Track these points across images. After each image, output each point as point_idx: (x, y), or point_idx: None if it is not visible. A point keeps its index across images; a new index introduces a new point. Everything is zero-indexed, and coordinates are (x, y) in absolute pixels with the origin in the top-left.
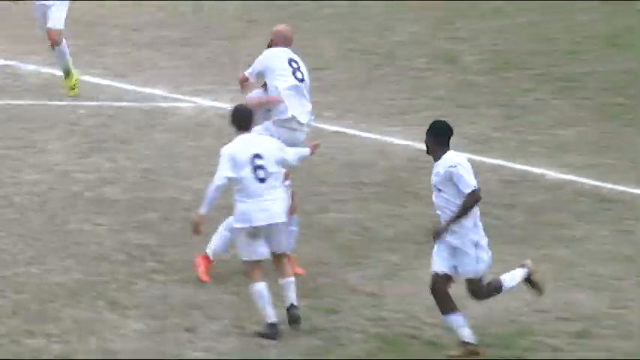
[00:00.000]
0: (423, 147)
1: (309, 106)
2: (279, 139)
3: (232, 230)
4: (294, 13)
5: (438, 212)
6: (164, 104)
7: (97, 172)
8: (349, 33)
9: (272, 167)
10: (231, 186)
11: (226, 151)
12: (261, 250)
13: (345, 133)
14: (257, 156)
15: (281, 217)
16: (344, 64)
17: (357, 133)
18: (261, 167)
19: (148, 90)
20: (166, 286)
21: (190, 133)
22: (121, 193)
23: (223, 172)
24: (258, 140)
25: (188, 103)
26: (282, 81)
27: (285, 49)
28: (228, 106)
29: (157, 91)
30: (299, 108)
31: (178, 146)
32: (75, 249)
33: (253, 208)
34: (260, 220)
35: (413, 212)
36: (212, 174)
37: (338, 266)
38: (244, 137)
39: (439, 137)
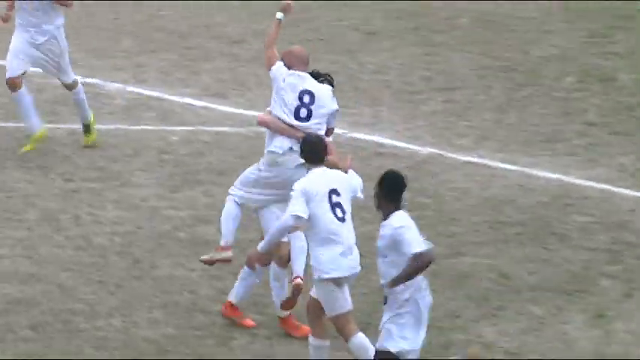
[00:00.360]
0: (573, 180)
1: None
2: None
3: (317, 284)
4: (422, 24)
5: (382, 281)
6: None
7: (191, 209)
8: (486, 47)
9: (347, 204)
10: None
11: (300, 187)
12: (349, 300)
13: (480, 164)
14: (334, 192)
15: (358, 265)
16: (480, 84)
17: (495, 164)
18: (339, 205)
19: (251, 113)
20: (270, 341)
21: None
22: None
23: (297, 210)
24: (332, 174)
25: None
26: (281, 113)
27: (305, 74)
28: (343, 131)
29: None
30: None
31: None
32: (164, 298)
33: (337, 254)
34: (349, 268)
35: (559, 257)
36: None
37: (472, 319)
38: (318, 171)
39: (391, 192)
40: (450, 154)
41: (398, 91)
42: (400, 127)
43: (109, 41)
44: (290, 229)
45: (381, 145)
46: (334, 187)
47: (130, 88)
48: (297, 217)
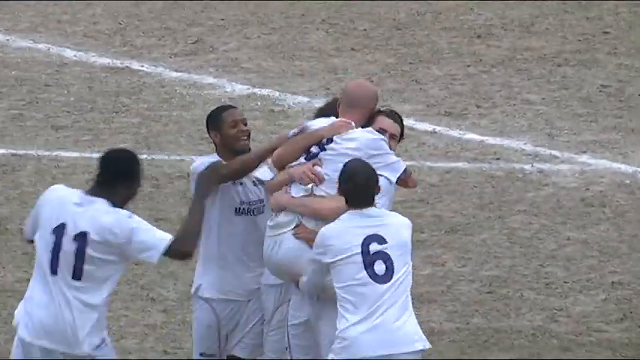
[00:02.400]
0: None
1: None
2: None
3: None
4: None
5: None
6: (535, 166)
7: None
8: None
9: (399, 260)
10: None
11: (326, 233)
12: None
13: None
14: (375, 238)
15: (412, 345)
16: None
17: None
18: (380, 257)
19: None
20: None
21: (573, 214)
22: None
23: (315, 275)
24: (376, 215)
25: (570, 164)
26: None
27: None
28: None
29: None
30: None
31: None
32: None
33: (367, 331)
34: (380, 349)
35: None
36: None
37: None
38: (354, 214)
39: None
40: None
41: None
42: None
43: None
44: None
45: None
46: (376, 233)
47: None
48: (317, 283)
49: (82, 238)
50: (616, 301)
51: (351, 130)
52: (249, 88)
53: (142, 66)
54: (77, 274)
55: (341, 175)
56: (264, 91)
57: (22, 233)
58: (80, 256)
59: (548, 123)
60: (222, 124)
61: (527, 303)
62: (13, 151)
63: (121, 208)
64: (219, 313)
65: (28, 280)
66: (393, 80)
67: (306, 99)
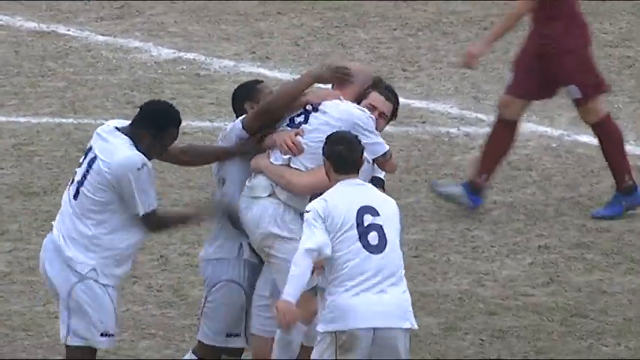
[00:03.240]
0: None
1: None
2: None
3: (320, 341)
4: None
5: None
6: (462, 129)
7: None
8: None
9: (392, 232)
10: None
11: (317, 206)
12: None
13: None
14: (368, 210)
15: (403, 321)
16: None
17: None
18: (374, 228)
19: None
20: None
21: (499, 178)
22: None
23: (309, 241)
24: (370, 190)
25: None
26: None
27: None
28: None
29: None
30: None
31: None
32: None
33: (359, 302)
34: (373, 319)
35: None
36: None
37: None
38: (346, 184)
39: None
40: None
41: None
42: None
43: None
44: (308, 266)
45: None
46: (368, 204)
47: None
48: (310, 250)
49: (91, 162)
50: (542, 265)
51: (337, 101)
52: (175, 52)
53: (68, 30)
54: (75, 195)
55: (328, 140)
56: (190, 55)
57: None
58: (83, 178)
59: (474, 86)
60: (259, 95)
61: (453, 267)
62: None
63: (146, 154)
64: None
65: None
66: (320, 44)
67: (232, 63)
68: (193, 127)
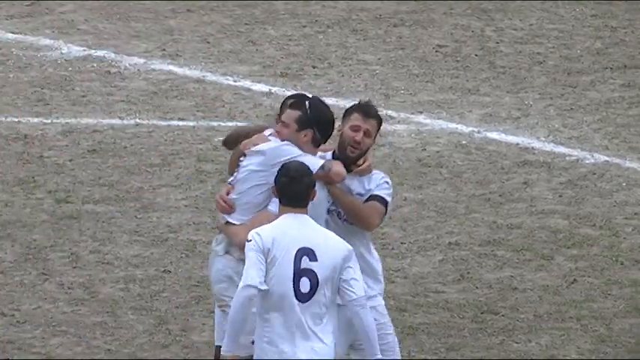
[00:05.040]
0: None
1: None
2: None
3: None
4: None
5: None
6: None
7: None
8: None
9: (327, 282)
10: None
11: (256, 238)
12: None
13: None
14: (307, 252)
15: None
16: None
17: None
18: (307, 274)
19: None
20: None
21: (409, 175)
22: None
23: (250, 277)
24: (313, 230)
25: (406, 124)
26: None
27: None
28: (472, 129)
29: None
30: None
31: None
32: None
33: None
34: None
35: None
36: None
37: None
38: (290, 218)
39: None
40: (630, 164)
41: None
42: (556, 123)
43: None
44: (249, 303)
45: (528, 149)
46: (308, 246)
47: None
48: (252, 287)
49: None
50: (453, 262)
51: (261, 144)
52: (85, 50)
53: None
54: None
55: (279, 171)
56: (100, 53)
57: None
58: None
59: (384, 83)
60: (284, 108)
61: None
62: None
63: None
64: None
65: None
66: (229, 41)
67: (142, 60)
68: (104, 124)
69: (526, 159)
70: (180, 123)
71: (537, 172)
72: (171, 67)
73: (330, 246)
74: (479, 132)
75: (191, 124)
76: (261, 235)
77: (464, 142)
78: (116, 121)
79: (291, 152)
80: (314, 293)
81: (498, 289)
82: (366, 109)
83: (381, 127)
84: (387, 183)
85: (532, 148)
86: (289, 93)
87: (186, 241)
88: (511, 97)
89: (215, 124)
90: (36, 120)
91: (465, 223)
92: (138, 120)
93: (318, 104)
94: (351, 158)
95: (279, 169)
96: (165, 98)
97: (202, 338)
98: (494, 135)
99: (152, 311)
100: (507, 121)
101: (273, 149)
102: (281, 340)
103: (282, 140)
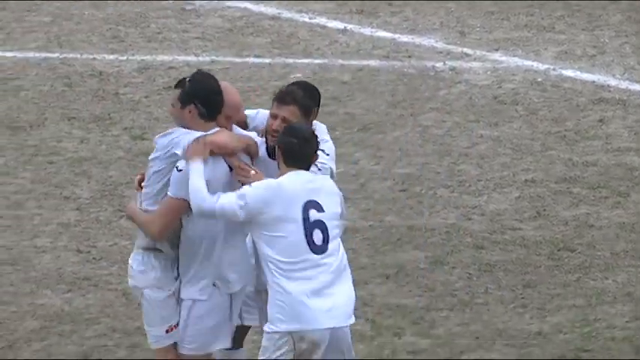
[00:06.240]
0: None
1: None
2: None
3: (270, 340)
4: None
5: None
6: (447, 64)
7: None
8: None
9: (334, 229)
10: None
11: (260, 192)
12: None
13: None
14: (314, 205)
15: (351, 318)
16: None
17: None
18: (319, 226)
19: (410, 38)
20: None
21: (485, 112)
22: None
23: (226, 201)
24: (317, 183)
25: (482, 61)
26: None
27: None
28: (547, 66)
29: None
30: None
31: None
32: None
33: (313, 303)
34: (328, 320)
35: None
36: None
37: None
38: (295, 175)
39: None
40: None
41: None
42: (632, 60)
43: None
44: (225, 213)
45: (603, 87)
46: (315, 199)
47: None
48: (240, 208)
49: None
50: (529, 199)
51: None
52: None
53: None
54: None
55: (284, 130)
56: None
57: None
58: None
59: (459, 21)
60: None
61: (440, 201)
62: None
63: None
64: None
65: None
66: None
67: None
68: (179, 61)
69: (601, 96)
70: (256, 60)
71: (613, 110)
72: (246, 4)
73: (331, 195)
74: (554, 69)
75: (267, 61)
76: (267, 191)
77: (539, 79)
78: (192, 58)
79: (161, 147)
80: (328, 243)
81: (574, 227)
82: (280, 97)
83: (318, 109)
84: None
85: (607, 85)
86: (364, 30)
87: None
88: (586, 35)
89: (290, 61)
90: (111, 57)
91: (541, 160)
92: (213, 57)
93: (197, 78)
94: (273, 146)
95: (287, 128)
96: (240, 35)
97: None
98: (569, 72)
99: None
100: (583, 59)
101: (160, 137)
102: (308, 296)
103: (177, 121)
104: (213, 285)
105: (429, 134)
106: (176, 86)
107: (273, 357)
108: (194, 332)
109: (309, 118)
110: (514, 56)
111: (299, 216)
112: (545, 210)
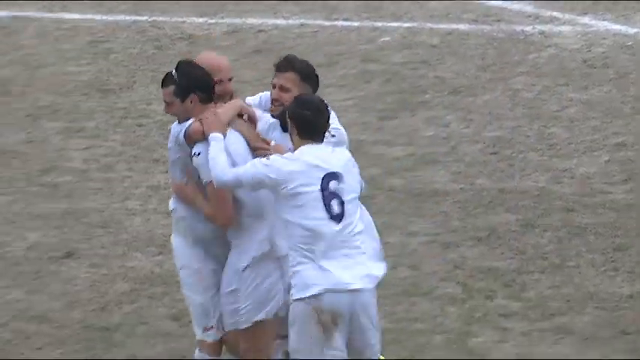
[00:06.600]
0: None
1: None
2: None
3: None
4: None
5: None
6: (537, 27)
7: (411, 144)
8: None
9: (353, 199)
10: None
11: (281, 164)
12: (340, 347)
13: None
14: (333, 176)
15: (371, 281)
16: None
17: None
18: (337, 196)
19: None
20: None
21: (575, 75)
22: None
23: (244, 171)
24: (333, 154)
25: (571, 25)
26: None
27: None
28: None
29: None
30: None
31: None
32: None
33: (334, 266)
34: (352, 282)
35: None
36: None
37: None
38: (311, 148)
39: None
40: None
41: None
42: None
43: None
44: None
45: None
46: (333, 170)
47: None
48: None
49: None
50: (619, 163)
51: None
52: None
53: None
54: None
55: (295, 102)
56: None
57: None
58: None
59: None
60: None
61: (531, 164)
62: (15, 13)
63: None
64: None
65: (31, 142)
66: None
67: None
68: (269, 24)
69: None
70: (345, 23)
71: None
72: None
73: (348, 166)
74: None
75: (355, 24)
76: (286, 167)
77: (629, 43)
78: (281, 22)
79: (172, 137)
80: (347, 212)
81: None
82: (278, 65)
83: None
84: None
85: None
86: None
87: (352, 140)
88: None
89: (379, 24)
90: (201, 20)
91: (631, 124)
92: (302, 20)
93: (185, 69)
94: (276, 115)
95: (298, 100)
96: None
97: None
98: None
99: None
100: None
101: (174, 125)
102: (330, 261)
103: (181, 116)
104: (265, 249)
105: (519, 98)
106: (164, 85)
107: (303, 327)
108: (248, 296)
109: (312, 84)
110: (603, 20)
111: (318, 187)
112: (635, 173)
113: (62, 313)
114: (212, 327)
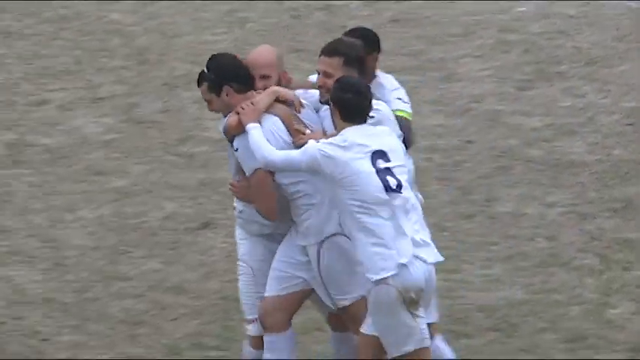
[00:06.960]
0: None
1: None
2: None
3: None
4: None
5: None
6: None
7: (547, 114)
8: None
9: (403, 176)
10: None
11: (331, 150)
12: (425, 330)
13: None
14: (380, 155)
15: (437, 257)
16: None
17: None
18: (388, 173)
19: None
20: None
21: None
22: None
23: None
24: (379, 134)
25: None
26: None
27: None
28: None
29: None
30: None
31: None
32: None
33: (404, 242)
34: (426, 256)
35: None
36: None
37: None
38: (356, 129)
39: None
40: None
41: None
42: None
43: None
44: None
45: None
46: (380, 148)
47: None
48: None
49: None
50: None
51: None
52: None
53: None
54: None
55: (337, 85)
56: None
57: None
58: None
59: None
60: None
61: None
62: None
63: None
64: None
65: (167, 111)
66: None
67: None
68: None
69: None
70: None
71: None
72: None
73: (393, 143)
74: None
75: None
76: (336, 152)
77: None
78: None
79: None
80: (400, 184)
81: None
82: (322, 50)
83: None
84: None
85: None
86: None
87: (489, 111)
88: None
89: None
90: None
91: None
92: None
93: (214, 62)
94: (324, 101)
95: (340, 82)
96: None
97: (506, 209)
98: None
99: (455, 181)
100: None
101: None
102: (401, 235)
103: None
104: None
105: None
106: (198, 84)
107: (388, 310)
108: (329, 279)
109: (357, 67)
110: None
111: (370, 167)
112: None
113: (198, 283)
114: (254, 320)
